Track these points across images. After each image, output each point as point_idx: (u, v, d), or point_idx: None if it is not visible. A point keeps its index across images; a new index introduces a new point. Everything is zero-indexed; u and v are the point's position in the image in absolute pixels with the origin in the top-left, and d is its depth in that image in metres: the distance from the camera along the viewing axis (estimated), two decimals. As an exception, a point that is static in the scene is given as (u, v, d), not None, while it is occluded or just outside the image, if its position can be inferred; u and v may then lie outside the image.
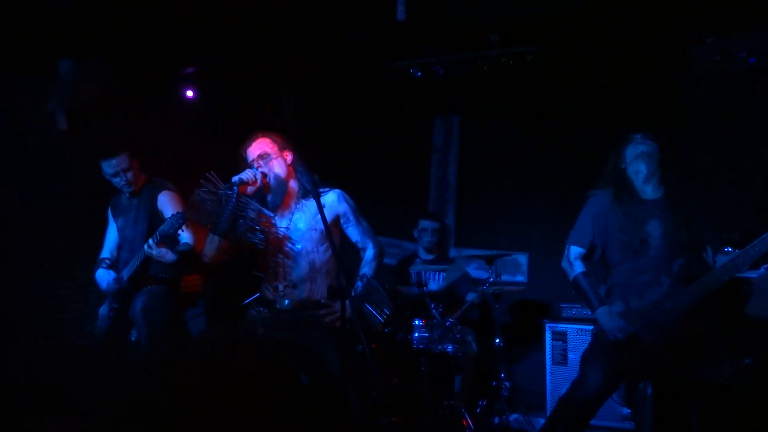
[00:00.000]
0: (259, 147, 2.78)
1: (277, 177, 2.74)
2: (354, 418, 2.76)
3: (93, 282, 3.60)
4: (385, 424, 3.53)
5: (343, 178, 2.94)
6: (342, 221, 2.82)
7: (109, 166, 3.47)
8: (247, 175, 2.62)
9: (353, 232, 2.84)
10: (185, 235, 3.38)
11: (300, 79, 5.28)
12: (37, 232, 4.10)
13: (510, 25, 4.52)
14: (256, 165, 2.73)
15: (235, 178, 2.59)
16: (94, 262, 3.66)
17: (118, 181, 3.52)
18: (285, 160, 2.80)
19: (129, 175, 3.51)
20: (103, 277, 3.53)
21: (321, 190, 2.79)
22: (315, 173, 2.86)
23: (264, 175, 2.69)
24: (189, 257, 3.46)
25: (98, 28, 4.07)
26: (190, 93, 5.33)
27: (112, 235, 3.68)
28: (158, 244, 3.26)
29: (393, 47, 4.84)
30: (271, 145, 2.79)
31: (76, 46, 4.22)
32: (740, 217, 3.91)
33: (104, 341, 3.48)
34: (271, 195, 2.75)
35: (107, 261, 3.61)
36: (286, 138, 2.88)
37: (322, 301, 2.73)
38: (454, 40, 4.75)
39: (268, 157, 2.75)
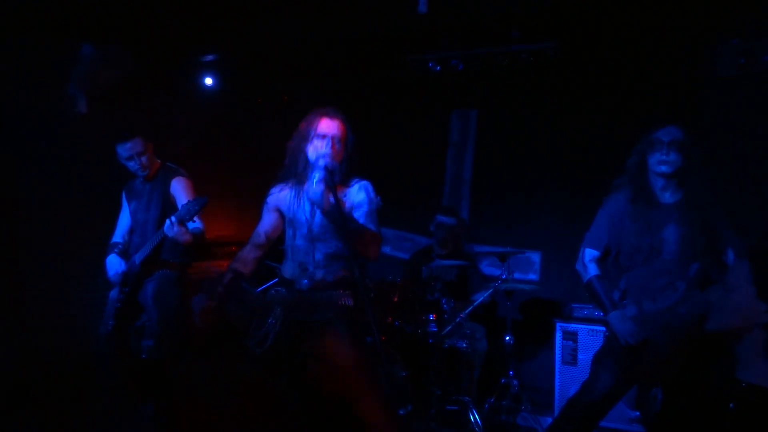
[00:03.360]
0: (338, 127, 2.67)
1: (337, 167, 2.62)
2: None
3: (103, 266, 3.63)
4: (403, 415, 3.55)
5: (358, 171, 2.94)
6: (354, 210, 2.72)
7: (123, 150, 3.50)
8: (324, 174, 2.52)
9: (364, 221, 2.71)
10: (196, 222, 3.41)
11: (318, 71, 5.28)
12: (51, 217, 4.15)
13: (530, 21, 4.48)
14: (330, 141, 2.62)
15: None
16: (106, 246, 3.69)
17: (132, 164, 3.54)
18: (346, 155, 2.71)
19: (143, 159, 3.53)
20: (113, 264, 3.55)
21: (352, 181, 2.74)
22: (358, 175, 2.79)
23: (332, 158, 2.59)
24: (200, 242, 3.48)
25: (120, 13, 4.09)
26: (209, 80, 5.35)
27: (124, 220, 3.71)
28: (180, 222, 3.26)
29: (412, 40, 4.82)
30: (345, 135, 2.70)
31: (97, 31, 4.25)
32: (761, 221, 3.87)
33: (111, 327, 3.50)
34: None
35: (119, 246, 3.63)
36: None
37: (338, 283, 2.71)
38: (473, 35, 4.72)
39: (341, 144, 2.66)
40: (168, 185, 3.58)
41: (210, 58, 5.20)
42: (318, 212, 2.68)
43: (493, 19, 4.46)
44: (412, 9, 3.77)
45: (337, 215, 2.48)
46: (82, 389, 3.73)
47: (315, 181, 2.49)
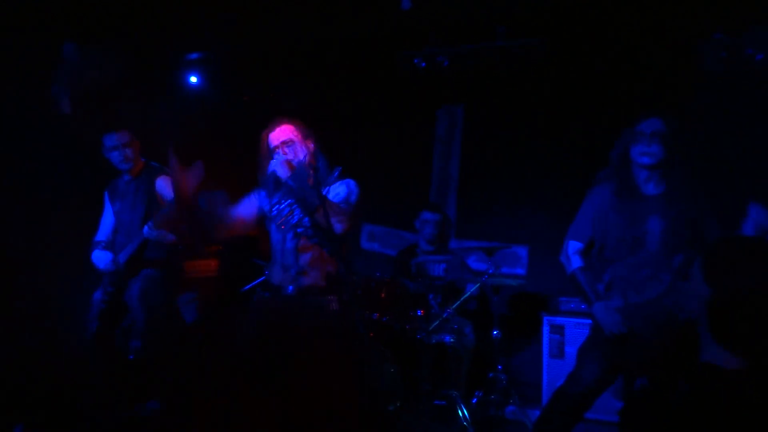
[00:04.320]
0: (283, 133, 2.80)
1: (301, 163, 2.72)
2: (352, 402, 2.78)
3: (89, 264, 3.60)
4: (391, 411, 3.56)
5: (345, 168, 2.95)
6: (336, 197, 2.79)
7: (110, 140, 3.52)
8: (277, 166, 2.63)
9: (335, 199, 2.77)
10: None
11: (303, 68, 5.27)
12: (37, 217, 4.12)
13: (516, 17, 4.50)
14: (280, 151, 2.75)
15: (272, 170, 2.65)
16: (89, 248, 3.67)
17: (115, 155, 3.54)
18: (308, 149, 2.81)
19: (128, 151, 3.54)
20: (100, 257, 3.53)
21: (339, 181, 2.81)
22: (335, 166, 2.86)
23: (290, 162, 2.67)
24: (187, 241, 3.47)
25: (103, 12, 4.06)
26: (194, 79, 5.33)
27: (108, 219, 3.70)
28: (158, 225, 3.26)
29: (397, 37, 4.82)
30: (295, 132, 2.81)
31: (80, 30, 4.21)
32: (743, 214, 3.90)
33: (96, 328, 3.48)
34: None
35: (103, 243, 3.63)
36: (309, 127, 2.89)
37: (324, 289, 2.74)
38: (459, 31, 4.73)
39: (292, 144, 2.77)
40: (153, 184, 3.57)
41: (195, 56, 5.18)
42: (288, 201, 2.71)
43: (478, 16, 4.48)
44: (396, 6, 3.78)
45: (294, 184, 2.55)
46: (70, 391, 3.71)
47: (276, 158, 2.66)
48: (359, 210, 2.79)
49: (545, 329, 4.19)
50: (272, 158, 2.76)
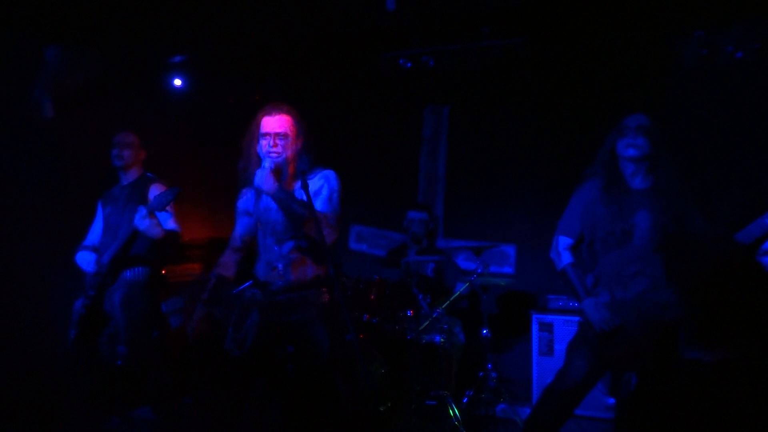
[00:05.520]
0: (279, 124, 2.71)
1: (285, 161, 2.71)
2: (342, 402, 2.78)
3: (73, 271, 3.55)
4: (382, 411, 3.56)
5: (331, 169, 2.94)
6: (314, 198, 2.71)
7: (118, 137, 3.63)
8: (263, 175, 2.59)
9: (319, 205, 2.72)
10: (171, 223, 3.39)
11: (289, 70, 5.25)
12: (18, 224, 4.07)
13: (500, 17, 4.52)
14: (270, 141, 2.69)
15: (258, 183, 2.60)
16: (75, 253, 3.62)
17: (115, 151, 3.62)
18: (296, 145, 2.76)
19: (125, 151, 3.59)
20: (85, 257, 3.49)
21: (316, 171, 2.78)
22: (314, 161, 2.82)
23: (276, 171, 2.64)
24: (174, 242, 3.44)
25: (86, 15, 4.02)
26: (178, 81, 5.29)
27: (97, 227, 3.66)
28: (152, 210, 3.21)
29: (382, 37, 4.82)
30: (292, 127, 2.74)
31: (63, 33, 4.17)
32: (726, 210, 3.95)
33: (75, 335, 3.42)
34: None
35: (89, 249, 3.59)
36: (304, 122, 2.83)
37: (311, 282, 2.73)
38: (444, 31, 4.75)
39: (286, 138, 2.71)
40: (147, 191, 3.56)
41: (179, 58, 5.14)
42: (275, 207, 2.70)
43: (462, 15, 4.49)
44: (380, 5, 3.78)
45: (282, 197, 2.54)
46: (52, 400, 3.66)
47: (261, 170, 2.60)
48: (343, 207, 2.77)
49: (534, 327, 4.20)
50: (259, 142, 2.72)
